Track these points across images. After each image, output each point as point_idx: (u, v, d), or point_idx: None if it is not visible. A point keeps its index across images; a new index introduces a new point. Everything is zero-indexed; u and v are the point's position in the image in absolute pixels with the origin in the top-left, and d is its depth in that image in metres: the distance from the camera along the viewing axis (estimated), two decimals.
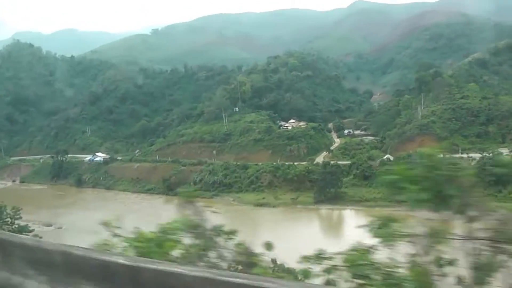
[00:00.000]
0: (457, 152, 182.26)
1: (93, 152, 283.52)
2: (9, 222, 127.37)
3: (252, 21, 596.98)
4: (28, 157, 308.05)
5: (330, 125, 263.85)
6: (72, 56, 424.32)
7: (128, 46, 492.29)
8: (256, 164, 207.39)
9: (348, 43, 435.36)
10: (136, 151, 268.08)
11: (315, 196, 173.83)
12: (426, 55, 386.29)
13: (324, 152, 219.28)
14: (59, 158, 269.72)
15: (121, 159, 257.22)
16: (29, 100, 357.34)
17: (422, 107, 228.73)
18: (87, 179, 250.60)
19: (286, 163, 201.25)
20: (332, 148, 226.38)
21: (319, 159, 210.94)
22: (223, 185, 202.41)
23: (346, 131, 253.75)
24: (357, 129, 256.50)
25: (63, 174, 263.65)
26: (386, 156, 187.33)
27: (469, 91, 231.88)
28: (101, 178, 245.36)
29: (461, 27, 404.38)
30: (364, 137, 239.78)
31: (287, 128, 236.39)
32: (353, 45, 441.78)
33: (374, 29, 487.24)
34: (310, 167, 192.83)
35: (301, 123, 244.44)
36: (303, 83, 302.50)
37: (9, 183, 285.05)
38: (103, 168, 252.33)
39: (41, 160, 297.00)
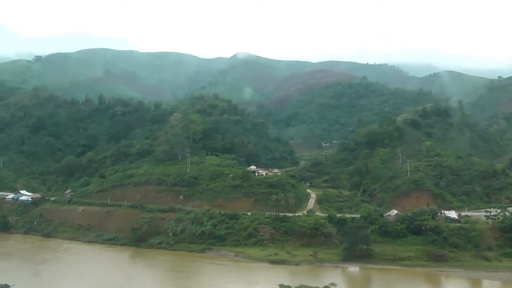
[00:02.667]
0: (451, 209, 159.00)
1: (7, 189, 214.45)
2: None
3: (136, 61, 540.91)
4: None
5: None
6: None
7: (12, 71, 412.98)
8: (245, 214, 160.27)
9: (240, 91, 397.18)
10: (67, 191, 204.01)
11: (343, 253, 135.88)
12: (330, 112, 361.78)
13: (311, 203, 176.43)
14: None
15: (54, 200, 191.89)
16: None
17: (400, 161, 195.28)
18: (14, 222, 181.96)
19: (286, 215, 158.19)
20: (311, 199, 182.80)
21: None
22: (213, 237, 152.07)
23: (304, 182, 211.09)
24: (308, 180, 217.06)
25: None
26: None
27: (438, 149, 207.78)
28: (35, 222, 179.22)
29: (362, 88, 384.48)
30: (328, 189, 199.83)
31: (263, 175, 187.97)
32: (245, 94, 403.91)
33: (262, 81, 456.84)
34: (321, 220, 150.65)
35: (275, 170, 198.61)
36: (237, 128, 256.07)
37: None
38: (33, 210, 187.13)
39: None
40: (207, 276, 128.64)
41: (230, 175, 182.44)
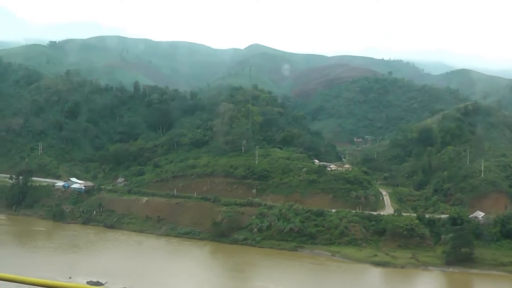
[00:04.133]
0: None
1: (51, 176, 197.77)
2: None
3: (150, 49, 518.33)
4: None
5: None
6: None
7: (27, 56, 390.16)
8: (328, 211, 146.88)
9: (260, 83, 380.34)
10: (119, 180, 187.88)
11: (445, 256, 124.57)
12: (358, 107, 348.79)
13: (387, 202, 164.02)
14: (20, 181, 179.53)
15: (110, 190, 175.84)
16: None
17: (468, 160, 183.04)
18: (69, 212, 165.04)
19: (371, 213, 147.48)
20: (385, 197, 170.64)
21: (388, 209, 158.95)
22: (302, 235, 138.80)
23: None
24: None
25: (27, 202, 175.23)
26: None
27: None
28: (94, 212, 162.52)
29: (389, 84, 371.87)
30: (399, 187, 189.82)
31: (332, 169, 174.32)
32: (266, 86, 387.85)
33: (279, 74, 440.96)
34: (416, 221, 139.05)
35: (346, 166, 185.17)
36: (282, 120, 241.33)
37: None
38: (89, 199, 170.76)
39: None
40: (323, 277, 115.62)
41: (304, 169, 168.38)
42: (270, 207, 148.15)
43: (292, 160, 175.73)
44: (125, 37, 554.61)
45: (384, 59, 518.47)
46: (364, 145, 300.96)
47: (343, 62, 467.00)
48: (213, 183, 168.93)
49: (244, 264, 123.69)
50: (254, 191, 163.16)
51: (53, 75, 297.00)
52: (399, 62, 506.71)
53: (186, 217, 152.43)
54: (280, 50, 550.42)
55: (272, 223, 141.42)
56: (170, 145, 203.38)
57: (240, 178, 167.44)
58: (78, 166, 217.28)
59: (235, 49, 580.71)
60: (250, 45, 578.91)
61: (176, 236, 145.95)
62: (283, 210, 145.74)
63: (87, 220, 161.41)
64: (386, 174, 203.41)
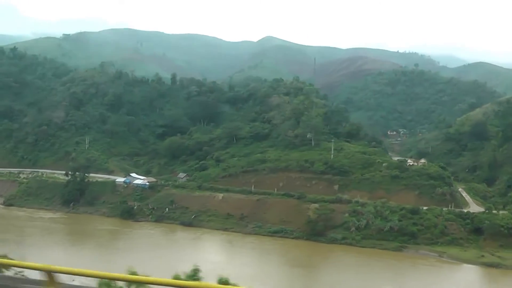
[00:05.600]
0: None
1: (102, 171, 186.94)
2: None
3: (163, 42, 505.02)
4: None
5: None
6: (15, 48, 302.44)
7: (42, 49, 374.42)
8: (420, 208, 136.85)
9: (280, 76, 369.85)
10: (181, 175, 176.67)
11: None
12: (386, 100, 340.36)
13: (467, 198, 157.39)
14: (77, 177, 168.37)
15: (177, 185, 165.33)
16: None
17: None
18: (136, 209, 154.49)
19: (461, 210, 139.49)
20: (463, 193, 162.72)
21: (473, 206, 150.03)
22: (403, 234, 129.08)
23: None
24: None
25: (86, 199, 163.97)
26: None
27: None
28: (166, 209, 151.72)
29: (416, 75, 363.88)
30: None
31: (410, 164, 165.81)
32: (286, 78, 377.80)
33: (296, 66, 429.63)
34: None
35: (422, 161, 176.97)
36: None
37: None
38: (155, 195, 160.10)
39: (22, 176, 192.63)
40: (448, 279, 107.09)
41: (384, 164, 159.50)
42: (363, 204, 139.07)
43: (370, 155, 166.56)
44: (137, 30, 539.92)
45: (399, 51, 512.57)
46: (399, 139, 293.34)
47: (359, 54, 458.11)
48: (289, 179, 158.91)
49: (363, 266, 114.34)
50: (336, 187, 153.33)
51: (84, 68, 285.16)
52: (414, 54, 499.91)
53: (271, 215, 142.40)
54: (293, 43, 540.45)
55: (370, 221, 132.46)
56: (229, 139, 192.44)
57: (319, 174, 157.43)
58: (126, 161, 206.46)
59: (247, 41, 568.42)
60: (263, 38, 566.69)
61: (265, 235, 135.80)
62: (378, 208, 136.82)
63: (159, 218, 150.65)
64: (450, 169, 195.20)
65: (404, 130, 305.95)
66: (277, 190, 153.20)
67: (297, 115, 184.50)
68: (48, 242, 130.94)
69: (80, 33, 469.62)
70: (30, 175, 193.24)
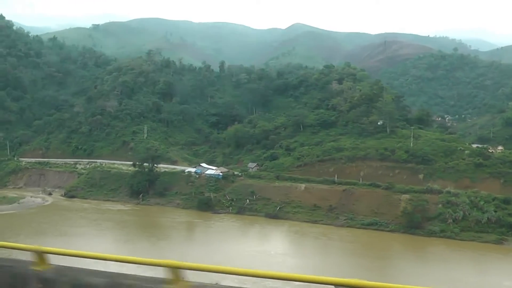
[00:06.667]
0: None
1: (165, 161, 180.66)
2: None
3: (191, 31, 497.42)
4: (51, 160, 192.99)
5: None
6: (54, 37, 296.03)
7: (73, 40, 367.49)
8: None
9: (312, 63, 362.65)
10: (251, 165, 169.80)
11: None
12: (427, 84, 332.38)
13: None
14: (145, 167, 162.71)
15: (253, 176, 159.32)
16: (21, 84, 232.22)
17: None
18: (213, 200, 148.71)
19: None
20: None
21: None
22: (500, 225, 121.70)
23: None
24: None
25: (157, 190, 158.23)
26: None
27: None
28: (247, 201, 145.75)
29: (456, 59, 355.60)
30: None
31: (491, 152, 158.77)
32: (319, 65, 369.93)
33: (328, 53, 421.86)
34: None
35: (500, 148, 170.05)
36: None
37: (47, 197, 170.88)
38: (233, 187, 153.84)
39: (79, 166, 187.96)
40: None
41: (466, 152, 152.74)
42: (456, 195, 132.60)
43: (449, 142, 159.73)
44: (164, 19, 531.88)
45: (429, 35, 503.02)
46: (448, 124, 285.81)
47: (389, 39, 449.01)
48: (371, 168, 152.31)
49: (476, 260, 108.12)
50: (421, 176, 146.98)
51: (119, 57, 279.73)
52: (444, 39, 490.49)
53: (361, 206, 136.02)
54: (321, 29, 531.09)
55: (466, 213, 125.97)
56: (295, 127, 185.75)
57: (401, 162, 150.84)
58: (185, 150, 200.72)
59: (276, 29, 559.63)
60: (291, 25, 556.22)
61: (359, 228, 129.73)
62: (472, 198, 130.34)
63: (241, 210, 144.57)
64: None
65: (448, 116, 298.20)
66: (357, 180, 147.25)
67: (368, 102, 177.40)
68: (136, 236, 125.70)
69: (109, 23, 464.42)
70: (88, 166, 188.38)
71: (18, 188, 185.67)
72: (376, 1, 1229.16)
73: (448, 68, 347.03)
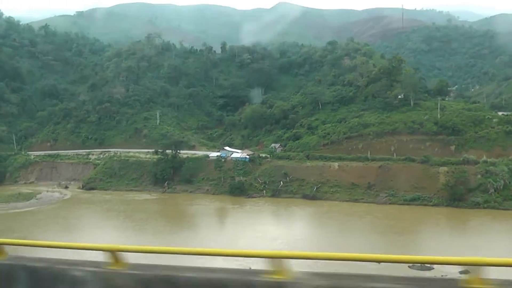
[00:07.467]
0: None
1: (183, 147, 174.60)
2: None
3: (176, 14, 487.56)
4: (62, 152, 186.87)
5: None
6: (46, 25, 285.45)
7: (58, 27, 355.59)
8: None
9: (306, 40, 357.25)
10: (275, 145, 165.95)
11: None
12: (424, 57, 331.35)
13: None
14: (168, 154, 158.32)
15: (279, 157, 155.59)
16: (19, 74, 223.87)
17: None
18: (242, 183, 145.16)
19: None
20: None
21: None
22: None
23: None
24: None
25: (183, 176, 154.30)
26: None
27: None
28: (281, 182, 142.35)
29: (450, 31, 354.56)
30: None
31: None
32: (312, 42, 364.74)
33: (318, 31, 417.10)
34: None
35: None
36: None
37: (64, 191, 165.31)
38: (263, 169, 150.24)
39: (92, 157, 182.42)
40: None
41: (495, 120, 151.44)
42: (493, 164, 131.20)
43: (476, 111, 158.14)
44: (148, 4, 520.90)
45: (416, 9, 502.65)
46: (452, 94, 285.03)
47: (376, 14, 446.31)
48: (400, 142, 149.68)
49: None
50: (452, 147, 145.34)
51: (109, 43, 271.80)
52: (432, 11, 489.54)
53: (400, 182, 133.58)
54: (307, 7, 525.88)
55: (506, 182, 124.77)
56: (313, 105, 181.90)
57: (431, 135, 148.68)
58: (199, 134, 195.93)
59: (260, 9, 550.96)
60: (276, 4, 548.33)
61: (401, 204, 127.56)
62: (511, 166, 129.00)
63: (276, 192, 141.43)
64: None
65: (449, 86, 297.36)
66: (389, 155, 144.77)
67: (387, 75, 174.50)
68: (177, 226, 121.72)
69: (93, 9, 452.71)
70: (102, 156, 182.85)
71: (30, 183, 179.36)
72: None
73: (443, 39, 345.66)
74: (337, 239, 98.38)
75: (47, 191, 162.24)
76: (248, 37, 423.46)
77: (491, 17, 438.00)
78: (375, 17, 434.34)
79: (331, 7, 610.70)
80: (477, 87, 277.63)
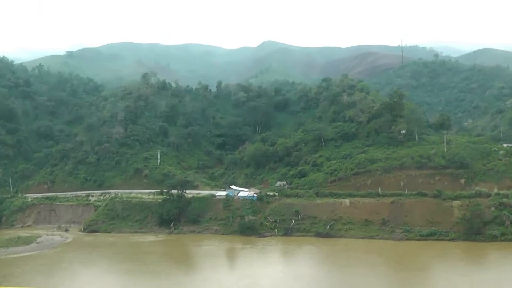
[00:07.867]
0: None
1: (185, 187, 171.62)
2: None
3: (163, 54, 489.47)
4: (60, 194, 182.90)
5: None
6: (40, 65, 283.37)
7: (52, 67, 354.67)
8: None
9: (291, 78, 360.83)
10: (280, 184, 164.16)
11: None
12: (412, 93, 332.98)
13: None
14: (173, 195, 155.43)
15: (287, 195, 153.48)
16: (15, 115, 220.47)
17: None
18: (253, 223, 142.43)
19: None
20: None
21: None
22: None
23: None
24: None
25: (189, 217, 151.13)
26: None
27: None
28: (292, 221, 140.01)
29: (438, 66, 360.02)
30: None
31: None
32: (298, 80, 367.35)
33: (303, 68, 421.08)
34: None
35: None
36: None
37: (65, 234, 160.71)
38: (273, 208, 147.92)
39: (92, 198, 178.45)
40: None
41: (501, 152, 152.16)
42: (506, 196, 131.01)
43: (482, 144, 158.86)
44: (135, 43, 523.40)
45: (400, 45, 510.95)
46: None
47: (361, 52, 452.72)
48: (409, 177, 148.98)
49: None
50: (462, 181, 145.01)
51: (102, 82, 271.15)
52: (415, 47, 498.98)
53: (414, 217, 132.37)
54: (293, 45, 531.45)
55: None
56: (316, 141, 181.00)
57: (439, 169, 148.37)
58: (200, 174, 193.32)
59: (247, 47, 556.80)
60: (262, 43, 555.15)
61: (418, 239, 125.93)
62: None
63: (287, 231, 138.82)
64: None
65: None
66: (398, 190, 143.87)
67: (389, 111, 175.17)
68: (192, 268, 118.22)
69: (82, 49, 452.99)
70: (102, 197, 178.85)
71: (27, 226, 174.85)
72: (339, 16, 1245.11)
73: (431, 75, 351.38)
74: (365, 279, 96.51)
75: (47, 235, 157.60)
76: (236, 76, 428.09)
77: (474, 51, 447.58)
78: (361, 54, 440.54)
79: (316, 45, 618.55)
80: (470, 120, 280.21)
